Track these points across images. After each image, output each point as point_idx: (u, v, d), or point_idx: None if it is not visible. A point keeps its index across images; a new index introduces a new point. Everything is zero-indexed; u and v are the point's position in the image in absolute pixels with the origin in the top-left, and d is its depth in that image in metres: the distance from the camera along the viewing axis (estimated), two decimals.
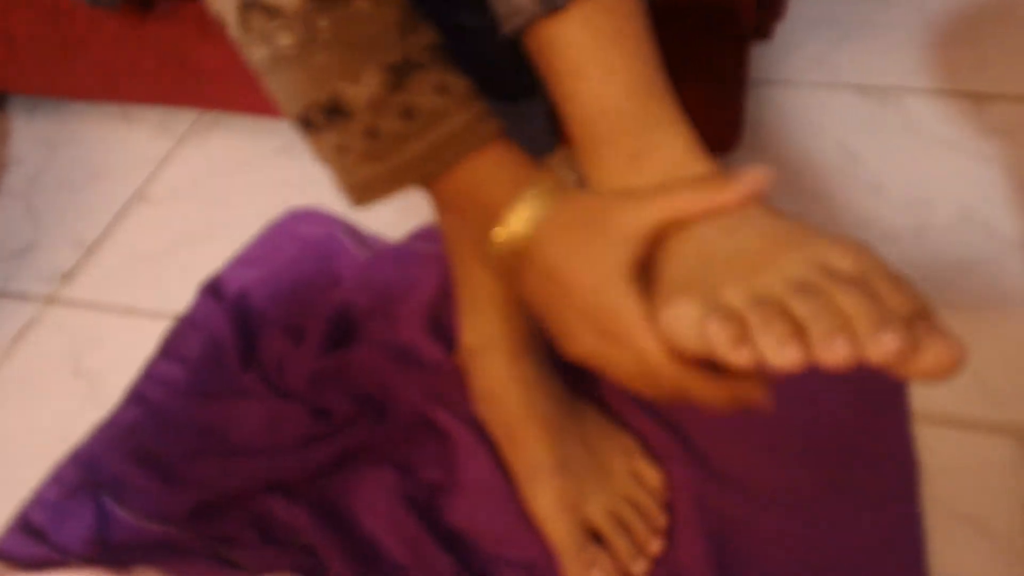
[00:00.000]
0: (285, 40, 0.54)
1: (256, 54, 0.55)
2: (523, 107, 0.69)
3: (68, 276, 1.04)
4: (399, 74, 0.54)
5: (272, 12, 0.53)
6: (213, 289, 0.98)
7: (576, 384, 0.83)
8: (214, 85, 1.08)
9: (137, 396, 0.90)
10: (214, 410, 0.87)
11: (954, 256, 0.96)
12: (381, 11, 0.54)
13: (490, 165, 0.56)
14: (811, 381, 0.85)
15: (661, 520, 0.76)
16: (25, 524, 0.81)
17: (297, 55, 0.54)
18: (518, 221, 0.55)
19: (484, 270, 0.76)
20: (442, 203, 0.59)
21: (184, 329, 0.95)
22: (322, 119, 0.55)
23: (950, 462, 0.79)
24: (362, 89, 0.54)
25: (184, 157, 1.18)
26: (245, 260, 1.01)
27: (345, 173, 0.57)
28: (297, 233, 1.04)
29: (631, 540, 0.75)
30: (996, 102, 1.13)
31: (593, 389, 0.85)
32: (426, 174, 0.56)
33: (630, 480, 0.77)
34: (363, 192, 0.56)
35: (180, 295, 0.99)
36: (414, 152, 0.55)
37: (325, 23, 0.53)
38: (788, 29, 1.22)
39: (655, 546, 0.75)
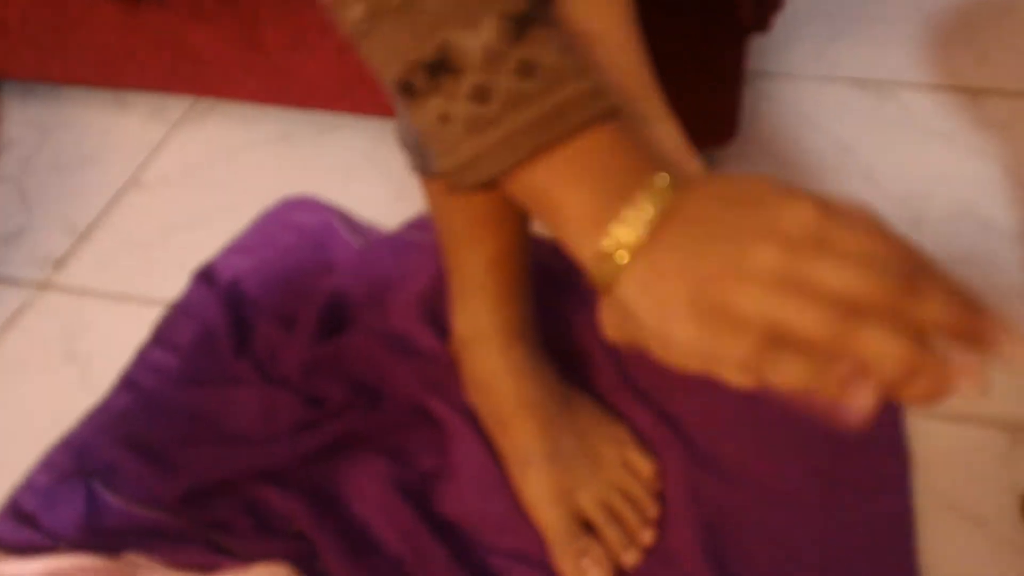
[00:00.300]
0: None
1: (354, 11, 0.47)
2: None
3: (60, 261, 1.04)
4: (521, 25, 0.46)
5: None
6: (207, 276, 0.98)
7: (569, 375, 0.83)
8: (209, 71, 1.08)
9: (129, 382, 0.90)
10: (207, 397, 0.87)
11: (950, 249, 0.97)
12: None
13: (611, 142, 0.47)
14: None
15: (653, 510, 0.76)
16: (16, 510, 0.81)
17: (404, 2, 0.46)
18: (642, 215, 0.45)
19: (476, 259, 0.75)
20: (536, 192, 0.48)
21: (177, 316, 0.95)
22: (425, 80, 0.47)
23: (941, 454, 0.80)
24: (478, 38, 0.45)
25: (178, 144, 1.17)
26: (239, 248, 1.01)
27: (446, 150, 0.48)
28: (292, 221, 1.03)
29: (622, 530, 0.75)
30: (992, 96, 1.14)
31: (586, 380, 0.85)
32: (542, 143, 0.46)
33: (622, 470, 0.77)
34: (465, 172, 0.47)
35: (173, 282, 0.99)
36: (530, 117, 0.46)
37: None
38: (786, 22, 1.23)
39: (647, 536, 0.75)
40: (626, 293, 0.45)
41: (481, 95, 0.46)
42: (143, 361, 0.92)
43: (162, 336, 0.93)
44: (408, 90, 0.48)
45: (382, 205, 1.06)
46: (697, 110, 0.98)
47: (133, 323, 0.96)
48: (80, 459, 0.84)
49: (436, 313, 0.92)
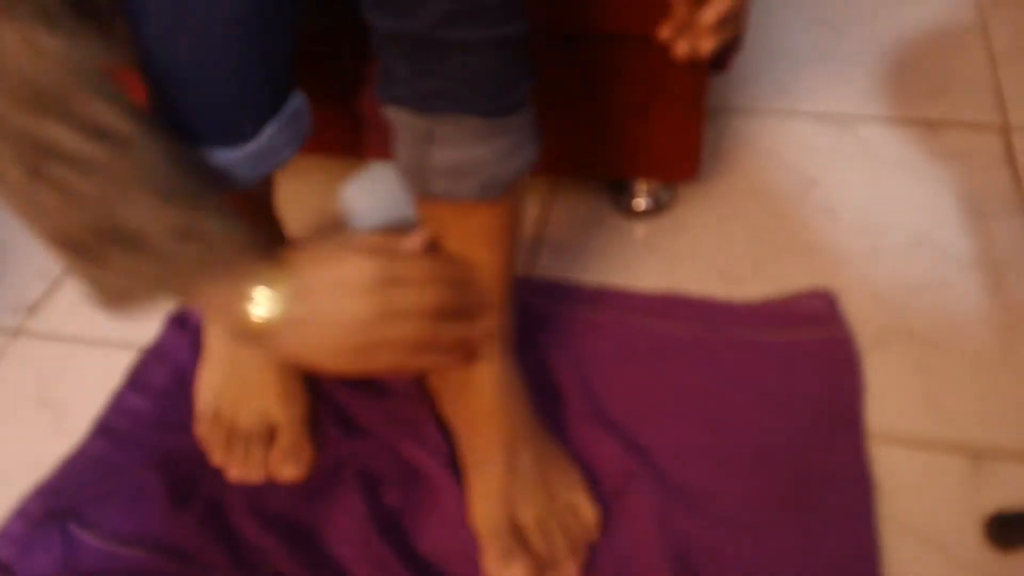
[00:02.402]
0: (82, 186, 0.57)
1: (46, 200, 0.58)
2: (507, 121, 0.71)
3: (34, 308, 1.04)
4: (167, 199, 0.61)
5: (57, 156, 0.56)
6: (179, 320, 0.98)
7: (541, 404, 0.84)
8: None
9: (104, 428, 0.90)
10: (182, 441, 0.87)
11: (907, 278, 0.98)
12: (157, 145, 0.60)
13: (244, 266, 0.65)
14: (768, 402, 0.87)
15: (581, 552, 0.77)
16: None
17: (79, 189, 0.57)
18: (263, 303, 0.65)
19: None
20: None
21: (150, 360, 0.95)
22: (95, 241, 0.60)
23: (904, 480, 0.81)
24: (138, 213, 0.59)
25: None
26: None
27: (103, 286, 0.63)
28: None
29: (551, 551, 0.76)
30: (948, 128, 1.16)
31: (557, 409, 0.86)
32: (181, 290, 0.64)
33: (567, 509, 0.78)
34: (117, 301, 0.64)
35: (146, 326, 0.99)
36: (178, 269, 0.62)
37: (106, 157, 0.58)
38: (747, 58, 1.25)
39: (571, 568, 0.76)
40: (285, 349, 0.67)
41: (137, 252, 0.61)
42: (118, 406, 0.91)
43: (136, 381, 0.93)
44: (78, 249, 0.61)
45: None
46: (661, 146, 1.00)
47: (107, 367, 0.96)
48: (55, 504, 0.83)
49: None
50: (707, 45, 0.72)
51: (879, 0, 1.38)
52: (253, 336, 0.66)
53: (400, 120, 0.71)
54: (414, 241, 0.73)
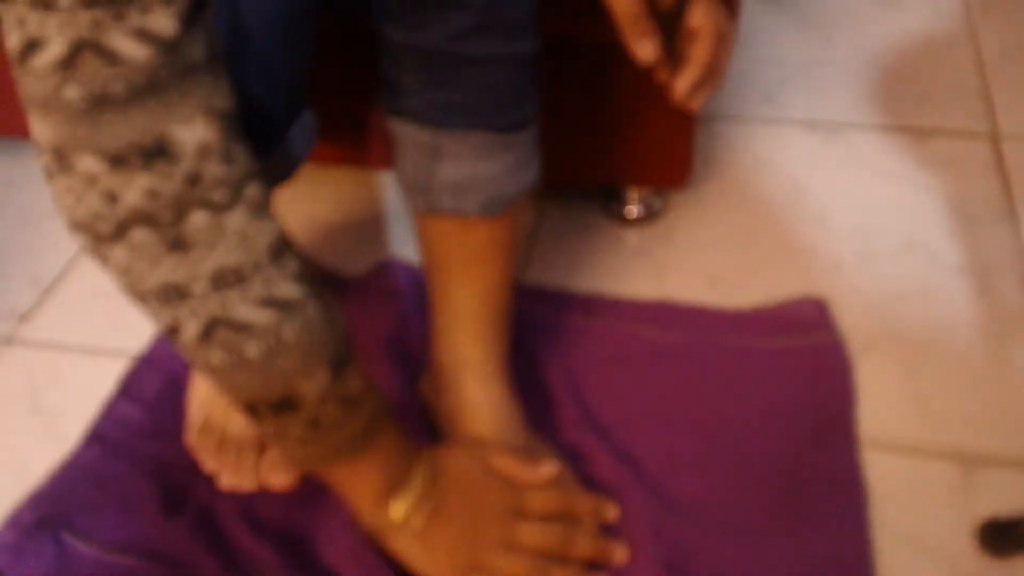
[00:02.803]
0: (252, 352, 0.57)
1: (213, 358, 0.58)
2: (515, 137, 0.72)
3: (26, 316, 1.03)
4: (339, 367, 0.61)
5: (241, 327, 0.56)
6: None
7: (533, 412, 0.84)
8: None
9: (96, 436, 0.89)
10: (174, 449, 0.87)
11: (897, 284, 0.98)
12: (321, 310, 0.60)
13: (392, 449, 0.67)
14: (760, 409, 0.87)
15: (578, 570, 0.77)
16: None
17: (261, 363, 0.58)
18: (416, 495, 0.68)
19: (466, 292, 0.79)
20: (335, 476, 0.68)
21: (143, 368, 0.94)
22: (269, 412, 0.60)
23: (896, 486, 0.81)
24: (314, 386, 0.60)
25: None
26: None
27: (281, 449, 0.65)
28: None
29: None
30: (937, 136, 1.16)
31: (549, 417, 0.86)
32: (355, 450, 0.65)
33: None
34: (297, 464, 0.67)
35: (139, 334, 0.99)
36: (347, 434, 0.63)
37: (288, 331, 0.58)
38: (736, 65, 1.26)
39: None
40: (403, 551, 0.70)
41: (312, 424, 0.61)
42: (109, 415, 0.91)
43: (128, 389, 0.93)
44: (252, 412, 0.61)
45: (344, 251, 1.07)
46: (652, 154, 1.00)
47: (99, 376, 0.95)
48: (47, 512, 0.83)
49: (403, 356, 0.92)
50: (692, 104, 0.71)
51: (867, 7, 1.39)
52: (376, 526, 0.70)
53: (406, 134, 0.71)
54: (551, 471, 0.75)
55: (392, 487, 0.68)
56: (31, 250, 1.11)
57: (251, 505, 0.82)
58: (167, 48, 0.49)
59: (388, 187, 1.15)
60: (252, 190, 0.56)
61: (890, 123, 1.18)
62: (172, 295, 0.55)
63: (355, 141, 1.05)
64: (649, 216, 1.08)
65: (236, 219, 0.55)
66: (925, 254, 1.01)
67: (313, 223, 1.11)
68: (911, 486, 0.81)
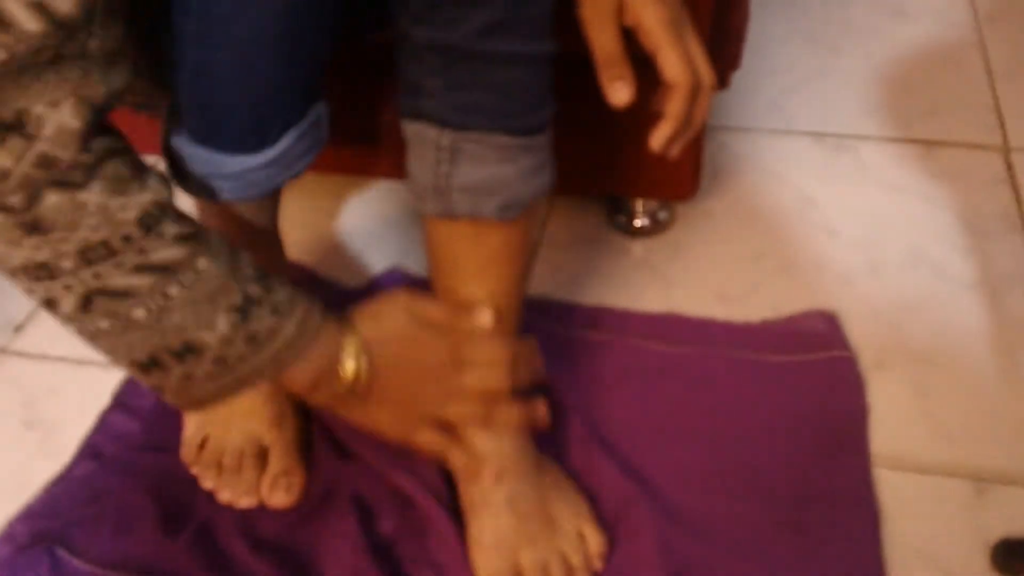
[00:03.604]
0: (138, 314, 0.58)
1: (98, 324, 0.58)
2: (533, 140, 0.72)
3: (20, 328, 1.02)
4: (243, 312, 0.61)
5: (121, 294, 0.57)
6: None
7: (543, 436, 0.82)
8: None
9: (91, 450, 0.88)
10: (171, 464, 0.85)
11: (907, 297, 0.98)
12: (218, 261, 0.60)
13: (319, 347, 0.66)
14: (769, 424, 0.86)
15: None
16: None
17: (150, 323, 0.58)
18: (349, 374, 0.67)
19: (478, 292, 0.77)
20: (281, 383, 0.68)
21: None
22: (172, 360, 0.61)
23: (908, 504, 0.80)
24: (215, 333, 0.60)
25: None
26: None
27: (183, 393, 0.64)
28: None
29: None
30: (947, 148, 1.16)
31: (554, 430, 0.85)
32: (268, 378, 0.65)
33: (572, 538, 0.77)
34: (200, 403, 0.65)
35: None
36: (256, 364, 0.63)
37: (175, 290, 0.58)
38: (743, 77, 1.25)
39: None
40: (350, 418, 0.71)
41: (219, 361, 0.61)
42: (104, 427, 0.90)
43: (124, 401, 0.92)
44: (154, 365, 0.61)
45: (346, 263, 1.06)
46: (659, 166, 0.99)
47: (94, 388, 0.94)
48: (42, 527, 0.82)
49: None
50: (670, 154, 0.72)
51: (873, 16, 1.39)
52: (319, 404, 0.70)
53: (424, 136, 0.71)
54: (483, 319, 0.74)
55: (320, 380, 0.67)
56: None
57: (251, 522, 0.81)
58: (60, 27, 0.49)
59: (390, 197, 1.15)
60: (110, 167, 0.56)
61: (898, 135, 1.18)
62: (41, 273, 0.56)
63: (357, 151, 1.04)
64: (655, 228, 1.07)
65: (94, 197, 0.55)
66: (935, 268, 1.01)
67: (314, 233, 1.10)
68: (922, 504, 0.80)
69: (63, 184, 0.54)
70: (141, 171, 0.58)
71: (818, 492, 0.80)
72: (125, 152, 0.57)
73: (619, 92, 0.67)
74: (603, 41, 0.67)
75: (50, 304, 0.58)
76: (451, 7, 0.64)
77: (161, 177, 0.59)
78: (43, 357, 0.99)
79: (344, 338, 0.67)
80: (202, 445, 0.85)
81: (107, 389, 0.94)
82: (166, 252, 0.58)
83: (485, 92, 0.68)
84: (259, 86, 0.66)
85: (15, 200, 0.53)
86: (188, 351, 0.60)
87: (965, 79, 1.26)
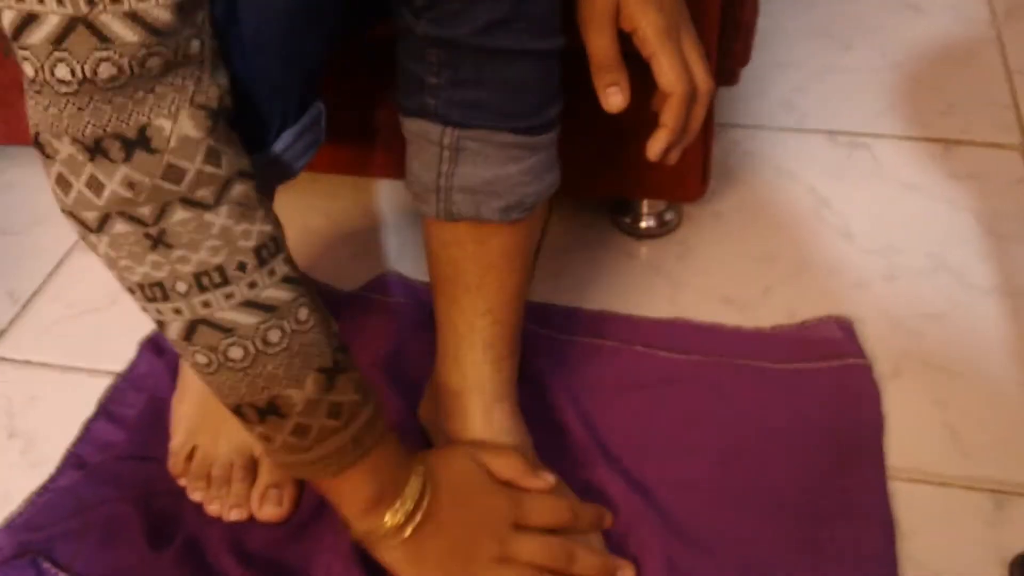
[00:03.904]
0: (235, 354, 0.58)
1: (197, 358, 0.59)
2: (539, 140, 0.71)
3: (3, 333, 1.00)
4: (330, 376, 0.61)
5: (224, 329, 0.57)
6: (155, 345, 0.95)
7: (542, 438, 0.81)
8: None
9: (75, 459, 0.86)
10: (158, 475, 0.83)
11: (925, 304, 0.96)
12: (316, 316, 0.61)
13: (385, 459, 0.66)
14: (781, 435, 0.84)
15: None
16: None
17: (244, 367, 0.59)
18: (409, 504, 0.67)
19: (477, 307, 0.77)
20: (328, 485, 0.67)
21: (124, 388, 0.92)
22: (255, 417, 0.61)
23: (925, 519, 0.78)
24: (303, 392, 0.60)
25: None
26: None
27: (267, 452, 0.65)
28: None
29: None
30: (963, 147, 1.14)
31: (559, 444, 0.84)
32: (345, 463, 0.64)
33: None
34: (280, 468, 0.68)
35: (119, 352, 0.95)
36: (335, 445, 0.63)
37: (276, 336, 0.58)
38: (754, 72, 1.23)
39: None
40: (392, 560, 0.68)
41: (301, 431, 0.61)
42: (89, 436, 0.88)
43: (108, 409, 0.90)
44: (238, 414, 0.61)
45: (339, 266, 1.04)
46: (666, 166, 0.96)
47: (78, 395, 0.92)
48: (26, 538, 0.80)
49: (400, 378, 0.89)
50: (667, 162, 0.73)
51: (886, 11, 1.37)
52: (365, 534, 0.68)
53: (424, 133, 0.70)
54: (548, 480, 0.73)
55: (383, 496, 0.66)
56: (8, 262, 1.09)
57: (240, 536, 0.79)
58: (158, 34, 0.51)
59: (386, 197, 1.13)
60: (238, 190, 0.56)
61: (914, 133, 1.17)
62: (156, 292, 0.57)
63: (352, 149, 1.03)
64: (662, 229, 1.06)
65: (220, 219, 0.56)
66: (953, 272, 0.99)
67: (307, 234, 1.09)
68: (940, 519, 0.78)
69: (192, 203, 0.55)
70: (263, 201, 0.59)
71: (832, 507, 0.78)
72: (252, 177, 0.58)
73: (613, 98, 0.68)
74: (599, 45, 0.67)
75: (160, 326, 0.59)
76: (455, 1, 0.63)
77: (275, 214, 0.60)
78: (26, 363, 0.97)
79: (412, 460, 0.68)
80: (190, 456, 0.83)
81: (92, 396, 0.92)
82: (274, 292, 0.58)
83: (490, 89, 0.67)
84: (257, 86, 0.64)
85: (145, 212, 0.54)
86: (271, 411, 0.60)
87: (982, 76, 1.24)
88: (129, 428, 0.88)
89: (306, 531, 0.79)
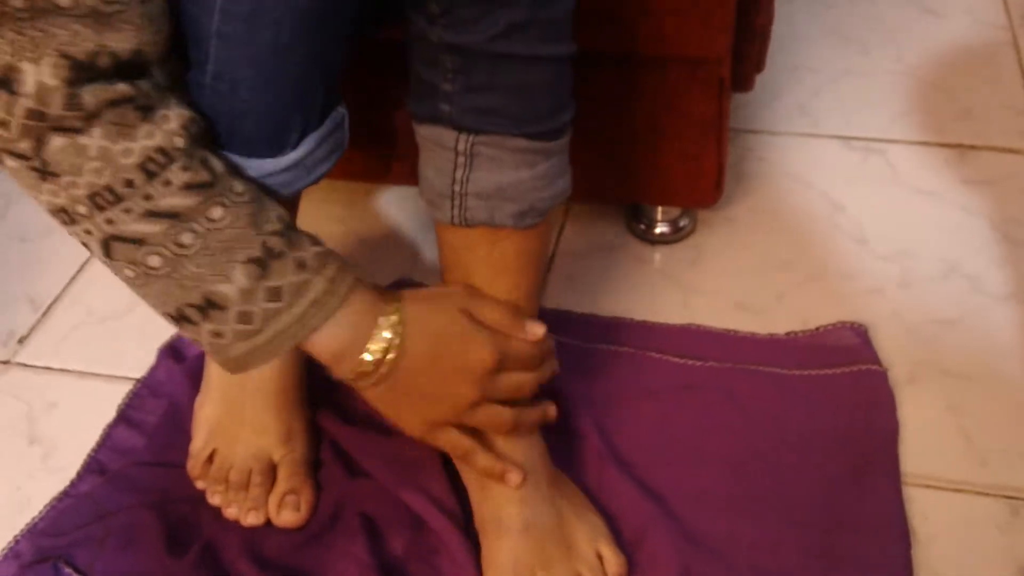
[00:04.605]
0: (154, 262, 0.60)
1: (125, 272, 0.61)
2: (552, 145, 0.71)
3: (24, 339, 1.01)
4: (262, 264, 0.61)
5: (135, 241, 0.59)
6: (174, 351, 0.95)
7: (555, 444, 0.80)
8: None
9: (95, 465, 0.87)
10: (177, 481, 0.84)
11: (940, 310, 0.95)
12: (235, 211, 0.61)
13: (350, 314, 0.65)
14: (795, 442, 0.83)
15: None
16: None
17: (167, 272, 0.60)
18: (379, 347, 0.66)
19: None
20: (310, 349, 0.67)
21: (143, 394, 0.92)
22: (197, 314, 0.62)
23: (941, 526, 0.78)
24: (233, 285, 0.61)
25: None
26: None
27: (221, 352, 0.64)
28: None
29: None
30: (978, 153, 1.13)
31: (572, 450, 0.84)
32: (299, 340, 0.64)
33: (591, 560, 0.75)
34: (240, 365, 0.65)
35: (138, 357, 0.96)
36: (285, 323, 0.63)
37: (189, 238, 0.59)
38: (768, 78, 1.22)
39: None
40: (370, 400, 0.69)
41: (245, 317, 0.62)
42: (109, 442, 0.89)
43: (128, 415, 0.91)
44: (182, 319, 0.63)
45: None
46: (680, 172, 0.96)
47: (98, 401, 0.93)
48: (46, 544, 0.81)
49: None
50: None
51: (902, 14, 1.36)
52: (344, 376, 0.67)
53: (437, 139, 0.70)
54: (536, 331, 0.72)
55: (355, 341, 0.66)
56: (29, 268, 1.10)
57: (258, 541, 0.80)
58: None
59: (401, 205, 1.13)
60: (114, 114, 0.57)
61: (930, 139, 1.15)
62: (64, 217, 0.59)
63: (367, 157, 1.03)
64: (676, 235, 1.05)
65: (95, 141, 0.57)
66: (969, 278, 0.98)
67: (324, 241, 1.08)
68: (956, 526, 0.78)
69: (64, 130, 0.56)
70: (154, 117, 0.59)
71: (847, 515, 0.78)
72: (135, 98, 0.58)
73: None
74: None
75: (86, 247, 0.61)
76: (470, 7, 0.63)
77: (186, 125, 0.60)
78: (47, 369, 0.98)
79: (383, 309, 0.66)
80: (209, 459, 0.83)
81: (112, 402, 0.92)
82: (174, 199, 0.59)
83: (504, 95, 0.67)
84: (277, 92, 0.65)
85: (24, 146, 0.56)
86: (210, 305, 0.61)
87: (999, 81, 1.23)
88: (148, 434, 0.89)
89: (323, 537, 0.80)
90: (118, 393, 0.93)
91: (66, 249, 1.10)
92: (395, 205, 1.13)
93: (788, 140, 1.17)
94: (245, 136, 0.65)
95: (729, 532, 0.78)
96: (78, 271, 1.08)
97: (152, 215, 0.58)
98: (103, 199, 0.58)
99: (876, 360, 0.89)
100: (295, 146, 0.69)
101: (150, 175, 0.58)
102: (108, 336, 1.00)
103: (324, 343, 0.65)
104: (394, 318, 0.66)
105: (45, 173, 0.57)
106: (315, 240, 0.65)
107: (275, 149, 0.68)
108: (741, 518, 0.78)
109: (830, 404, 0.86)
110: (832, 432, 0.84)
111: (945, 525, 0.77)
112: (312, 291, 0.63)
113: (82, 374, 0.97)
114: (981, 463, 0.82)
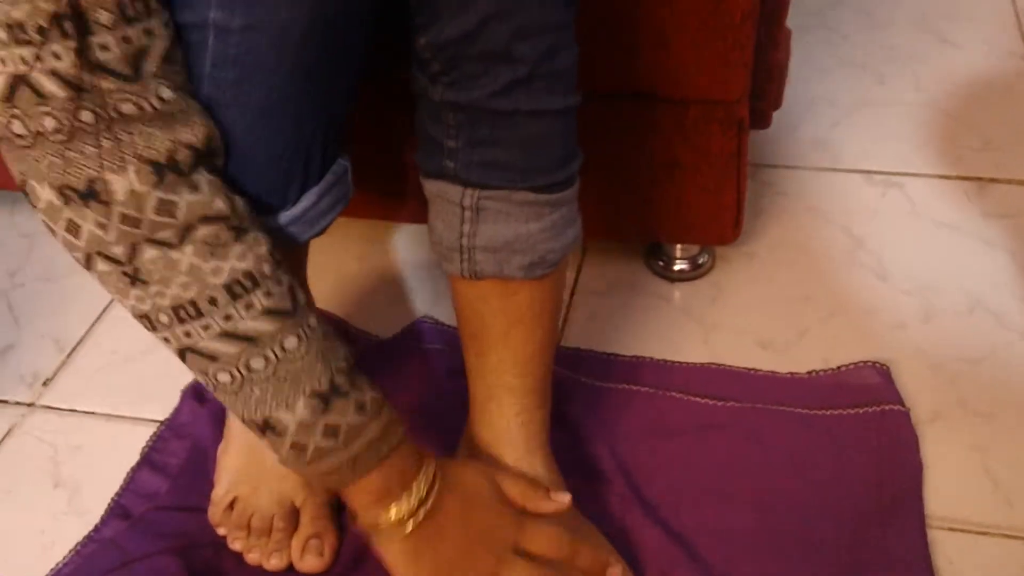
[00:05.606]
0: (224, 379, 0.62)
1: (200, 378, 0.63)
2: (560, 196, 0.71)
3: (49, 381, 1.01)
4: (326, 400, 0.62)
5: (208, 357, 0.61)
6: (196, 393, 0.95)
7: (577, 485, 0.80)
8: None
9: (119, 510, 0.87)
10: (200, 525, 0.84)
11: (963, 346, 0.94)
12: (308, 344, 0.62)
13: (396, 463, 0.66)
14: (818, 483, 0.83)
15: None
16: None
17: (236, 389, 0.62)
18: (416, 499, 0.67)
19: (506, 358, 0.77)
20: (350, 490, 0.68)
21: (167, 436, 0.92)
22: (256, 430, 0.64)
23: (966, 569, 0.77)
24: (294, 415, 0.62)
25: None
26: None
27: (271, 454, 0.66)
28: None
29: None
30: (999, 186, 1.12)
31: (595, 491, 0.83)
32: (347, 482, 0.65)
33: None
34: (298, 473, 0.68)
35: (163, 399, 0.96)
36: (334, 464, 0.64)
37: (260, 364, 0.61)
38: (786, 111, 1.21)
39: None
40: (389, 555, 0.68)
41: (299, 448, 0.63)
42: (132, 485, 0.89)
43: (152, 458, 0.91)
44: (246, 425, 0.64)
45: (377, 312, 1.04)
46: (699, 210, 0.96)
47: (122, 443, 0.93)
48: None
49: (436, 422, 0.89)
50: None
51: (920, 44, 1.35)
52: (368, 525, 0.68)
53: (444, 194, 0.70)
54: (561, 503, 0.74)
55: (390, 490, 0.67)
56: (54, 309, 1.10)
57: None
58: (80, 91, 0.54)
59: (419, 242, 1.13)
60: (205, 231, 0.59)
61: (950, 171, 1.15)
62: (146, 323, 0.61)
63: (384, 195, 1.03)
64: (695, 271, 1.05)
65: (187, 257, 0.58)
66: (992, 314, 0.97)
67: (341, 280, 1.09)
68: (981, 569, 0.77)
69: (157, 243, 0.58)
70: (247, 239, 0.61)
71: (872, 556, 0.77)
72: (228, 218, 0.60)
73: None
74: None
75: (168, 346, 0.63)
76: (471, 65, 0.63)
77: (273, 251, 0.62)
78: (71, 412, 0.98)
79: (424, 461, 0.68)
80: (231, 506, 0.83)
81: (136, 445, 0.92)
82: (253, 324, 0.60)
83: (508, 149, 0.67)
84: (272, 149, 0.65)
85: (118, 251, 0.58)
86: (268, 428, 0.63)
87: (1017, 111, 1.22)
88: (172, 476, 0.89)
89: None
90: (142, 435, 0.93)
91: (90, 289, 1.10)
92: (414, 242, 1.13)
93: (807, 174, 1.16)
94: (242, 193, 0.66)
95: (755, 573, 0.77)
96: (103, 311, 1.08)
97: (228, 336, 0.60)
98: (185, 312, 0.59)
99: (899, 400, 0.88)
100: (295, 201, 0.69)
101: (234, 296, 0.60)
102: (132, 377, 1.00)
103: (367, 487, 0.66)
104: (433, 471, 0.68)
105: (136, 280, 0.59)
106: (373, 384, 0.66)
107: (274, 206, 0.68)
108: (766, 558, 0.78)
109: (854, 444, 0.85)
110: (857, 472, 0.83)
111: (971, 568, 0.77)
112: (367, 435, 0.64)
113: (107, 416, 0.97)
114: (1008, 504, 0.80)
